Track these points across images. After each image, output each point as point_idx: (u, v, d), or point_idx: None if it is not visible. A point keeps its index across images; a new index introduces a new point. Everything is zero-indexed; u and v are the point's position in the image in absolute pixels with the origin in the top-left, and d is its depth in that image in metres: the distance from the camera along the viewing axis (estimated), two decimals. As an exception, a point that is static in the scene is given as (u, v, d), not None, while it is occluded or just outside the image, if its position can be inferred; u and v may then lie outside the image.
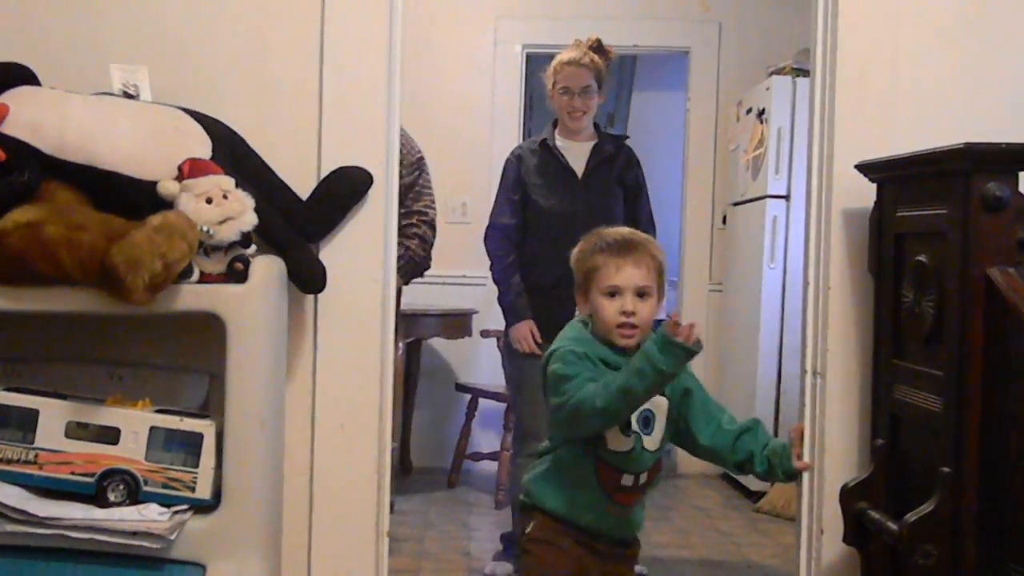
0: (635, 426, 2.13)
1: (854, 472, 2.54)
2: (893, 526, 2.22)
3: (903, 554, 2.19)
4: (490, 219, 3.78)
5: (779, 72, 4.93)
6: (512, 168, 3.75)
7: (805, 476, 2.66)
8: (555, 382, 2.14)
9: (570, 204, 3.62)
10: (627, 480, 2.16)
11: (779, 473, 2.27)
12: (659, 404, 2.17)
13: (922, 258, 2.30)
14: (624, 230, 2.28)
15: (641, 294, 2.14)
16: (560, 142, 3.72)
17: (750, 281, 5.02)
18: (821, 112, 2.65)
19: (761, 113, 4.97)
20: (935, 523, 2.14)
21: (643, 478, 2.18)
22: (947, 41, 2.61)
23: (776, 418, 4.84)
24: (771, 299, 4.86)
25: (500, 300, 3.75)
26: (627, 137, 3.91)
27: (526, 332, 3.63)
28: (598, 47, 3.73)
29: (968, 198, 2.11)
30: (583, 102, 3.66)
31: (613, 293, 2.14)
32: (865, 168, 2.51)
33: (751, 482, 4.91)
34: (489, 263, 3.78)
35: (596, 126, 3.78)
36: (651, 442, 2.17)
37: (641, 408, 2.11)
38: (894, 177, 2.45)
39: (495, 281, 3.76)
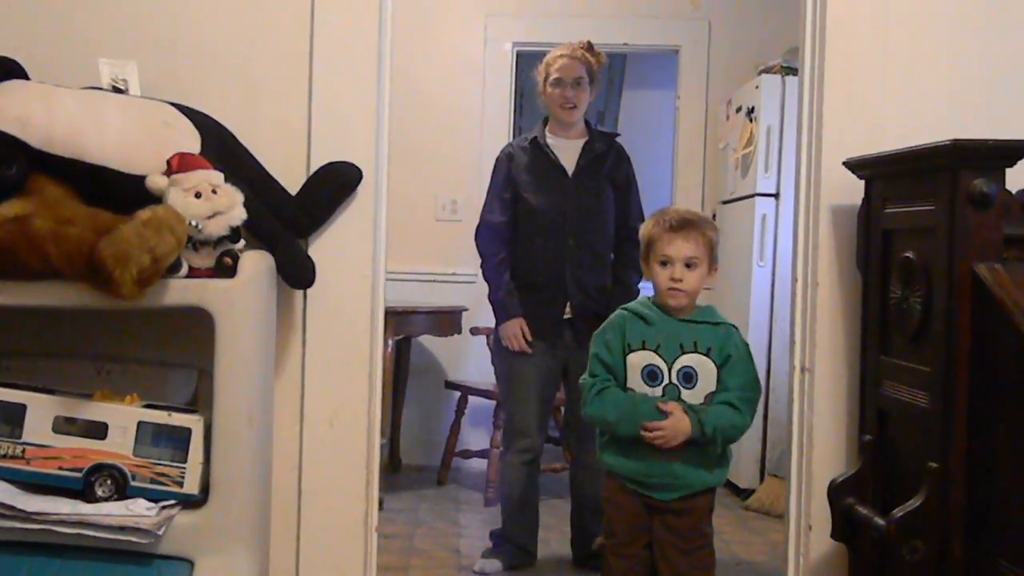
0: (673, 378, 2.45)
1: (842, 468, 2.55)
2: (881, 521, 2.23)
3: (891, 549, 2.20)
4: (481, 217, 3.78)
5: (768, 71, 4.93)
6: (503, 166, 3.75)
7: (793, 472, 2.67)
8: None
9: (560, 202, 3.62)
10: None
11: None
12: (702, 363, 2.47)
13: (909, 254, 2.30)
14: (683, 209, 2.61)
15: (689, 265, 2.48)
16: (551, 139, 3.72)
17: (740, 279, 5.02)
18: (809, 109, 2.66)
19: (750, 111, 4.97)
20: (923, 518, 2.14)
21: None
22: (935, 39, 2.62)
23: (765, 415, 4.84)
24: (760, 297, 4.86)
25: (491, 297, 3.75)
26: (618, 135, 3.91)
27: (516, 330, 3.63)
28: (589, 47, 3.75)
29: (955, 194, 2.12)
30: (575, 94, 3.67)
31: (665, 262, 2.48)
32: (853, 165, 2.51)
33: (740, 480, 4.92)
34: (480, 260, 3.78)
35: (587, 123, 3.79)
36: (692, 396, 2.46)
37: (682, 365, 2.46)
38: (882, 174, 2.46)
39: (486, 279, 3.76)
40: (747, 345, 2.54)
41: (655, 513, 2.50)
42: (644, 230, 2.57)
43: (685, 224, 2.49)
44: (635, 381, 2.49)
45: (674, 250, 2.47)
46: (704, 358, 2.47)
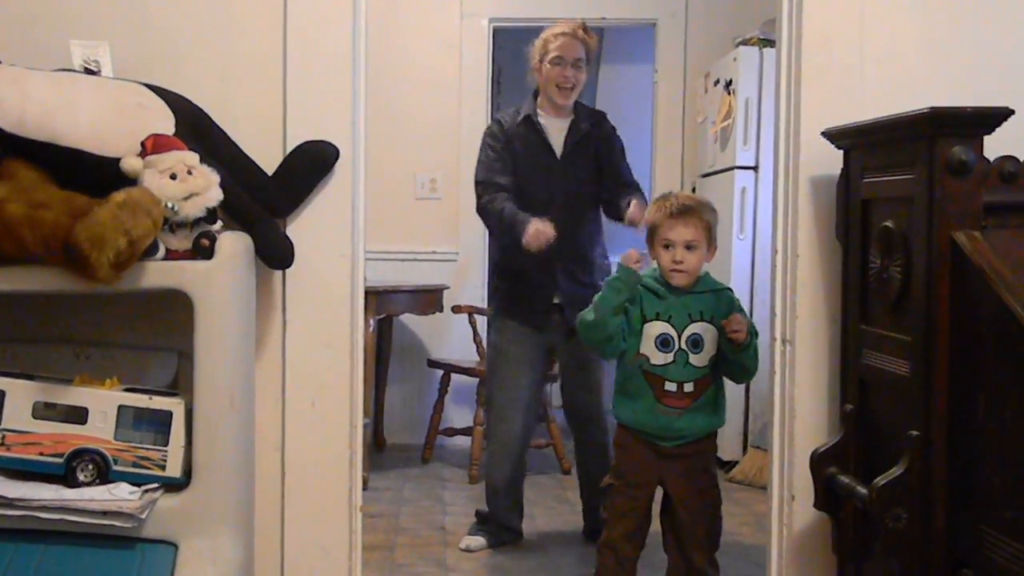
0: (683, 345, 2.72)
1: (824, 438, 2.56)
2: (863, 490, 2.24)
3: (873, 518, 2.21)
4: (481, 179, 3.65)
5: (746, 43, 4.92)
6: (499, 133, 3.68)
7: (776, 443, 2.68)
8: None
9: (547, 185, 3.57)
10: (671, 387, 2.72)
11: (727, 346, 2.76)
12: (707, 329, 2.75)
13: (889, 223, 2.31)
14: (683, 195, 2.87)
15: (689, 247, 2.73)
16: (542, 118, 3.68)
17: (720, 252, 4.94)
18: (787, 80, 2.65)
19: (729, 84, 4.96)
20: (904, 487, 2.15)
21: (687, 387, 2.73)
22: (911, 7, 2.61)
23: (747, 387, 4.86)
24: (741, 270, 4.87)
25: (503, 217, 3.57)
26: (604, 114, 3.86)
27: (549, 228, 3.43)
28: (585, 28, 3.71)
29: (933, 162, 2.12)
30: (575, 74, 3.63)
31: (667, 245, 2.74)
32: (831, 135, 2.51)
33: (724, 452, 4.94)
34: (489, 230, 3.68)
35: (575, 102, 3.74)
36: (698, 359, 2.74)
37: (691, 332, 2.72)
38: (860, 143, 2.45)
39: (493, 220, 3.62)
40: (739, 300, 2.86)
41: (665, 459, 2.76)
42: (648, 215, 2.83)
43: (685, 210, 2.74)
44: (648, 348, 2.73)
45: (675, 234, 2.72)
46: (708, 325, 2.75)
